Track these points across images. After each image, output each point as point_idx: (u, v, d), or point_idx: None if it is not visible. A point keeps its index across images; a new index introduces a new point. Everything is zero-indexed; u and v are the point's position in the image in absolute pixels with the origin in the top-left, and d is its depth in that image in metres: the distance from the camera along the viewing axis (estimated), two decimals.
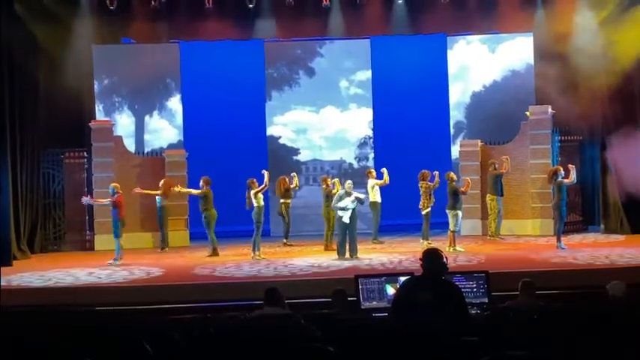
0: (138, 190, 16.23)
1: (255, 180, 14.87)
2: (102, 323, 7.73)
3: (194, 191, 15.87)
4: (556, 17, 17.47)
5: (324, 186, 16.04)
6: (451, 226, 14.94)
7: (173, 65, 19.16)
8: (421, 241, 15.67)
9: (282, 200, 16.73)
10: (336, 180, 15.94)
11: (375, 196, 16.24)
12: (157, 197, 16.35)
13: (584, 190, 17.84)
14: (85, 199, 15.55)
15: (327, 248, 15.48)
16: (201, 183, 15.59)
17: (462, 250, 14.73)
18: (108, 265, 14.27)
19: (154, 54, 19.08)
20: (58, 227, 17.38)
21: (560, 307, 7.62)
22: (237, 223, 16.70)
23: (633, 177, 15.34)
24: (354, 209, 14.02)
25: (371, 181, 16.29)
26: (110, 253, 14.83)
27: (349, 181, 14.61)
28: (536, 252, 14.34)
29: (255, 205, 14.63)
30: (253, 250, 14.67)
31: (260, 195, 14.70)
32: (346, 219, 13.97)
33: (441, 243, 14.57)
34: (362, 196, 14.48)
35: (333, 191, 15.18)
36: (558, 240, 14.63)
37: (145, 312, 10.41)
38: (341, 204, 14.05)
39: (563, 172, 14.74)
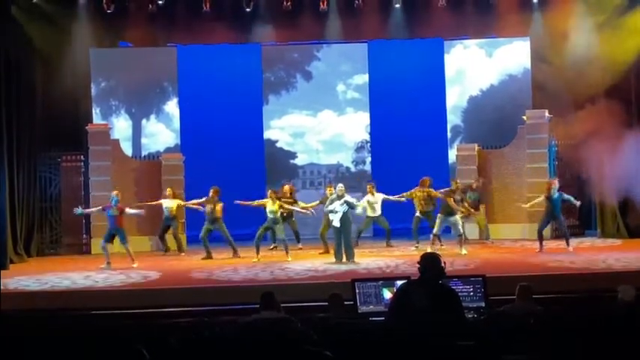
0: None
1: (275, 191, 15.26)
2: (98, 327, 7.72)
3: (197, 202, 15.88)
4: (553, 22, 17.48)
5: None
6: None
7: (170, 69, 19.16)
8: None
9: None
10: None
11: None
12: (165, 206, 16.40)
13: (581, 195, 17.83)
14: (77, 210, 15.46)
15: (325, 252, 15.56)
16: (211, 193, 15.59)
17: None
18: (101, 268, 14.26)
19: (151, 57, 19.08)
20: (54, 231, 17.35)
21: (558, 311, 7.62)
22: (234, 227, 16.68)
23: (620, 180, 15.35)
24: (345, 213, 13.99)
25: (378, 196, 16.27)
26: (103, 258, 14.78)
27: (340, 185, 14.58)
28: (533, 256, 14.34)
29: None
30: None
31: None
32: (336, 222, 13.96)
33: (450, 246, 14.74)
34: (353, 200, 14.44)
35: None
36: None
37: (141, 316, 10.38)
38: (331, 207, 14.10)
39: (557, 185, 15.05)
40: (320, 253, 15.49)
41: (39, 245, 17.04)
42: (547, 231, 16.20)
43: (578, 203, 15.37)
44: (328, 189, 16.02)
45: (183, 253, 16.29)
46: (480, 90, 19.69)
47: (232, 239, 15.46)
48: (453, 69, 19.57)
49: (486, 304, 7.72)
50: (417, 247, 15.51)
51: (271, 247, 16.29)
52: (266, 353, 5.12)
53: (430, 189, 15.93)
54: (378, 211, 16.31)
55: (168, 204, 16.39)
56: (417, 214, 16.02)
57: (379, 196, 16.28)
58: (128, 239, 14.59)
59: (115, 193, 14.87)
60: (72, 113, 17.53)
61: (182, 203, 16.53)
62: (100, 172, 17.16)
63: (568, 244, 14.76)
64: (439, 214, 15.10)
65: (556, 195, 14.82)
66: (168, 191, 16.44)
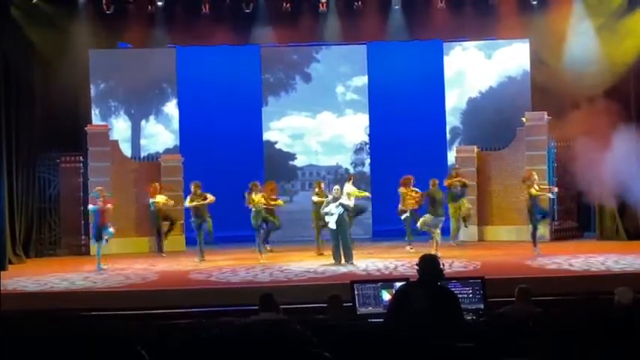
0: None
1: (257, 183, 15.00)
2: (97, 328, 7.71)
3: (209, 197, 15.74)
4: (552, 24, 17.50)
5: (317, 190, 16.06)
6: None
7: (169, 70, 19.14)
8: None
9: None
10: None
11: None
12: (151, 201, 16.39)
13: (580, 197, 17.83)
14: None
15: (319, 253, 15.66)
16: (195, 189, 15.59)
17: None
18: (98, 271, 14.26)
19: (150, 58, 19.06)
20: (53, 232, 17.33)
21: (557, 313, 7.62)
22: (233, 229, 16.70)
23: (618, 182, 15.33)
24: (341, 214, 14.02)
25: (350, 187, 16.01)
26: (105, 258, 14.79)
27: (336, 187, 14.61)
28: (531, 258, 14.34)
29: (253, 209, 14.76)
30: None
31: (258, 199, 14.83)
32: (332, 225, 14.02)
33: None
34: (348, 202, 14.44)
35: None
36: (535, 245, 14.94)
37: (140, 317, 10.38)
38: (326, 209, 14.12)
39: (536, 178, 15.13)
40: (319, 254, 15.52)
41: (38, 246, 17.04)
42: (546, 232, 16.35)
43: (552, 191, 15.66)
44: (317, 186, 16.08)
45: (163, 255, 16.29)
46: (479, 92, 19.68)
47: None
48: (452, 71, 19.56)
49: (485, 306, 7.72)
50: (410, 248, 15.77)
51: (268, 248, 16.31)
52: (265, 355, 5.12)
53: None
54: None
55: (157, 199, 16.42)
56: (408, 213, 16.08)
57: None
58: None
59: (97, 188, 15.10)
60: (71, 114, 17.52)
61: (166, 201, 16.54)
62: (99, 173, 17.14)
63: (534, 245, 14.91)
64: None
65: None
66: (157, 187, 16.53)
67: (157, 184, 16.64)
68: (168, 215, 16.60)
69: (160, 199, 16.33)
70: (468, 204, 16.76)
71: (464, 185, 16.75)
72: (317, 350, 5.12)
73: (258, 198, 14.92)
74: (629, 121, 16.33)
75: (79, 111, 17.95)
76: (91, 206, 15.09)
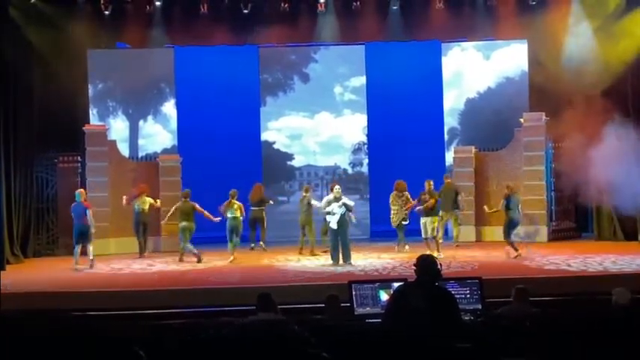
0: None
1: (236, 191, 15.19)
2: (95, 328, 7.71)
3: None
4: (550, 24, 17.52)
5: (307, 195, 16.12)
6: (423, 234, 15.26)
7: (168, 70, 19.15)
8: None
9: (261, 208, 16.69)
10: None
11: None
12: (136, 204, 16.36)
13: (577, 197, 17.84)
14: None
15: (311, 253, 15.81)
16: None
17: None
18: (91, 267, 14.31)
19: (148, 59, 19.07)
20: (51, 232, 17.32)
21: (554, 313, 7.63)
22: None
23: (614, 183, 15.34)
24: (342, 215, 14.02)
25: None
26: (103, 258, 14.82)
27: (337, 187, 14.61)
28: (529, 258, 14.35)
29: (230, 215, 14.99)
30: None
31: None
32: (333, 224, 14.03)
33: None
34: (351, 202, 14.44)
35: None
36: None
37: (138, 317, 10.38)
38: (328, 209, 14.12)
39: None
40: (312, 254, 15.58)
41: (35, 246, 17.03)
42: (544, 233, 16.39)
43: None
44: (305, 191, 16.15)
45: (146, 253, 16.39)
46: (477, 92, 19.70)
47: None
48: (450, 71, 19.58)
49: (483, 307, 7.72)
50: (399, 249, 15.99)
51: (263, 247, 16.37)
52: (263, 355, 5.12)
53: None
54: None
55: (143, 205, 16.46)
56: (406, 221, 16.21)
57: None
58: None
59: (78, 191, 15.07)
60: (69, 114, 17.50)
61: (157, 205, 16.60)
62: (96, 173, 17.14)
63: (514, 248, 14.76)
64: (421, 218, 15.20)
65: None
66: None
67: (143, 185, 16.67)
68: (146, 221, 16.59)
69: (145, 205, 16.36)
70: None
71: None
72: (315, 350, 5.13)
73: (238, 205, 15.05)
74: (626, 122, 16.36)
75: (77, 111, 17.95)
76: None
